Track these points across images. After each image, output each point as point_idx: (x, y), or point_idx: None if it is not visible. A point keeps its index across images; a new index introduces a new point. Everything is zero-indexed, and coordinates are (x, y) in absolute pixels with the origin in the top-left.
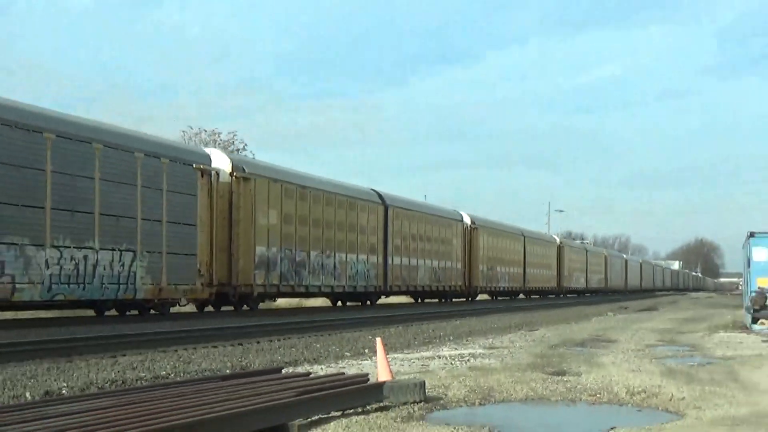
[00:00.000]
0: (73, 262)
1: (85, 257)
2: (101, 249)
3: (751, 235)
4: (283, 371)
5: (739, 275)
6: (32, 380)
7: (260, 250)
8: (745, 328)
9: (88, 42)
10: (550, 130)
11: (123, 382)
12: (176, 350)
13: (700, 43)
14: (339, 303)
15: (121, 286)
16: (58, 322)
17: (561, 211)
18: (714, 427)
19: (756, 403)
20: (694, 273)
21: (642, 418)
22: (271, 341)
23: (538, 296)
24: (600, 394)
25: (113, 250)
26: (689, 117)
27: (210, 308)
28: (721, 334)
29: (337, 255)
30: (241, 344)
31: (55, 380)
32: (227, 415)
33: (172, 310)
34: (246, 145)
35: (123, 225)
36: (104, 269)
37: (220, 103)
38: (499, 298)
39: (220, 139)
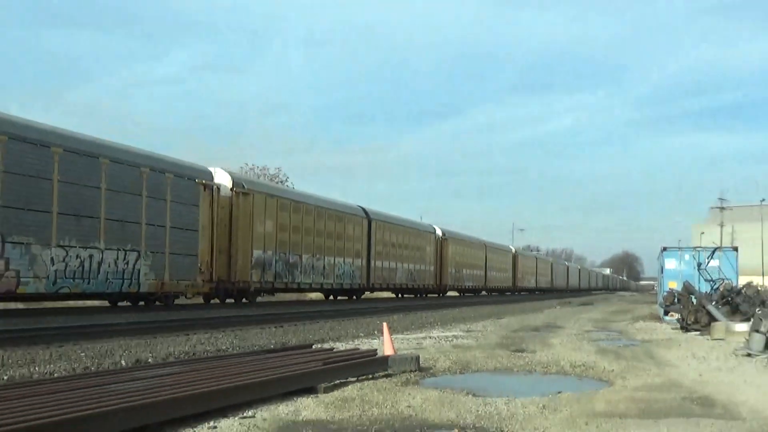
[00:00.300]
0: (79, 259)
1: (91, 256)
2: (106, 249)
3: (664, 249)
4: (313, 347)
5: (654, 279)
6: (126, 352)
7: (257, 252)
8: (658, 319)
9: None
10: (517, 167)
11: (193, 354)
12: (233, 330)
13: (624, 104)
14: (331, 297)
15: (125, 280)
16: (139, 309)
17: (522, 229)
18: (635, 392)
19: (667, 375)
20: (621, 277)
21: (581, 385)
22: (304, 324)
23: (497, 293)
24: (550, 366)
25: (118, 250)
26: (618, 157)
27: (216, 300)
28: (641, 323)
29: (326, 258)
30: (282, 326)
31: (143, 352)
32: (271, 379)
33: (184, 302)
34: (288, 177)
35: (128, 229)
36: (109, 266)
37: (270, 146)
38: (465, 294)
39: (268, 173)
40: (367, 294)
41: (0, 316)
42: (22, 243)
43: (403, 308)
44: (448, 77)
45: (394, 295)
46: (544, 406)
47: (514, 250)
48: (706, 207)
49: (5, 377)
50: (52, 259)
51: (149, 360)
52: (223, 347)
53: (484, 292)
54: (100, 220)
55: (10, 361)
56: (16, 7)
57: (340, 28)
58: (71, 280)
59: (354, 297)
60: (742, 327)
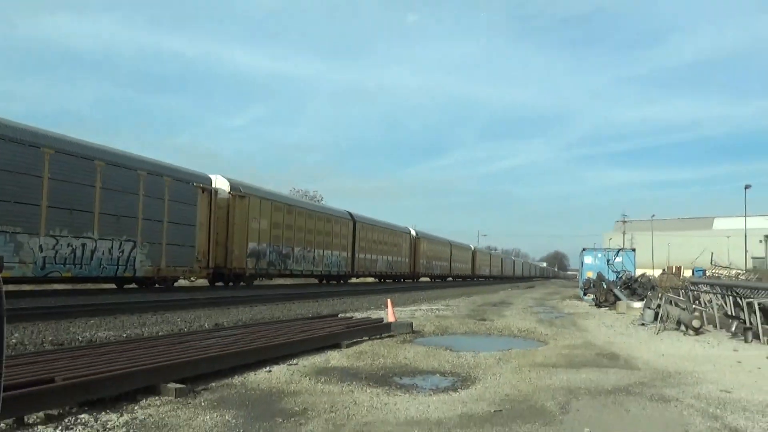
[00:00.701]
0: (70, 247)
1: (84, 244)
2: (100, 239)
3: (584, 249)
4: (339, 315)
5: (576, 270)
6: (208, 318)
7: (252, 245)
8: (579, 299)
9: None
10: (483, 190)
11: (255, 321)
12: (284, 303)
13: (559, 147)
14: (325, 282)
15: (120, 266)
16: (216, 288)
17: (485, 235)
18: (563, 349)
19: (585, 337)
20: (553, 269)
21: (526, 344)
22: (332, 299)
23: (461, 279)
24: (504, 331)
25: (113, 239)
26: (554, 184)
27: (220, 284)
28: (567, 301)
29: (316, 250)
30: (317, 301)
31: (220, 318)
32: (309, 338)
33: (184, 284)
34: (323, 197)
35: (123, 222)
36: (102, 254)
37: (309, 174)
38: (435, 280)
39: (308, 194)
40: (354, 279)
41: (117, 292)
42: (7, 231)
43: (401, 289)
44: (434, 128)
45: (376, 280)
46: (499, 359)
47: (473, 248)
48: (613, 220)
49: (124, 335)
50: (40, 246)
51: (224, 324)
52: (278, 315)
53: (450, 279)
54: (94, 213)
55: (126, 324)
56: (132, 74)
57: (356, 95)
58: (62, 266)
59: (341, 281)
60: (638, 304)
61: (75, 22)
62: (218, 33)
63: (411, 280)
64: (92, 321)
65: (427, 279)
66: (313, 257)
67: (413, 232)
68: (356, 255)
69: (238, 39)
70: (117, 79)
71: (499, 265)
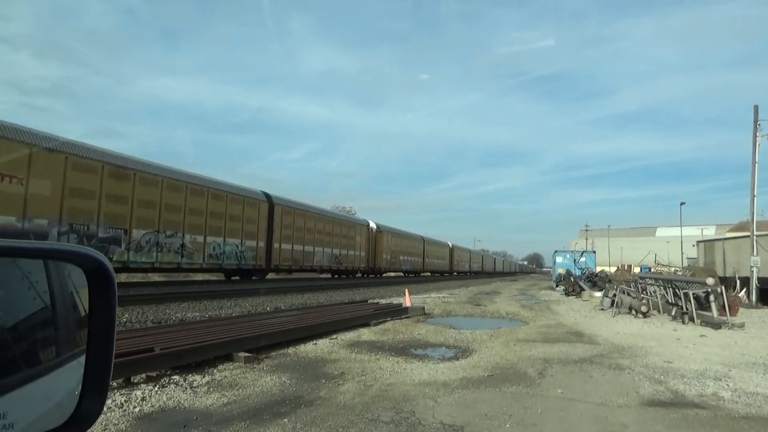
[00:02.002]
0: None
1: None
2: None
3: (556, 251)
4: (368, 301)
5: (550, 267)
6: (269, 304)
7: (285, 246)
8: (552, 289)
9: (304, 171)
10: (479, 207)
11: (305, 305)
12: (327, 292)
13: (536, 173)
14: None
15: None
16: (269, 280)
17: (480, 240)
18: (540, 328)
19: (557, 319)
20: (532, 266)
21: (511, 324)
22: (363, 288)
23: (438, 274)
24: (495, 313)
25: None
26: (532, 202)
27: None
28: (544, 291)
29: (188, 236)
30: (351, 290)
31: (279, 303)
32: (346, 318)
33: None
34: (356, 212)
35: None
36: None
37: (347, 195)
38: (409, 275)
39: (345, 209)
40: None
41: (205, 283)
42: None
43: (414, 281)
44: (440, 159)
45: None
46: (491, 335)
47: (451, 245)
48: (578, 229)
49: (207, 315)
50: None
51: (282, 307)
52: (322, 300)
53: (428, 273)
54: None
55: (208, 307)
56: (214, 121)
57: (380, 134)
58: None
59: (252, 277)
60: (598, 294)
61: (173, 81)
62: (281, 89)
63: (374, 276)
64: (183, 305)
65: (392, 274)
66: (182, 244)
67: (373, 225)
68: (273, 245)
69: (296, 92)
70: (205, 124)
71: (480, 262)
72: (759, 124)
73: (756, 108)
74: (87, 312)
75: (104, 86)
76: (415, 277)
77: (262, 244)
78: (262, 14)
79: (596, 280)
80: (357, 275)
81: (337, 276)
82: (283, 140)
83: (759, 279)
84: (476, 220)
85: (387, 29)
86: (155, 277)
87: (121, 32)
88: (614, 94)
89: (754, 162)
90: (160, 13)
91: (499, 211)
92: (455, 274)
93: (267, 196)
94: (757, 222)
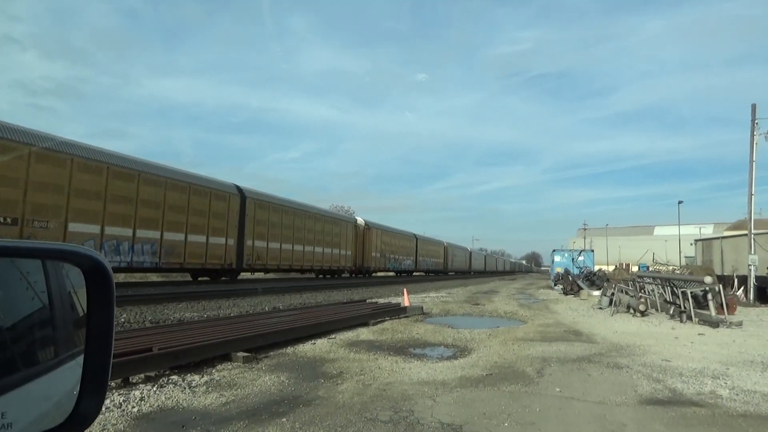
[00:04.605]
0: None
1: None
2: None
3: (554, 250)
4: (367, 301)
5: (549, 266)
6: (267, 304)
7: (259, 242)
8: (551, 288)
9: (303, 171)
10: (477, 206)
11: (304, 305)
12: (324, 291)
13: (536, 172)
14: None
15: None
16: (267, 278)
17: (478, 239)
18: (539, 327)
19: (556, 318)
20: (530, 265)
21: (510, 323)
22: (361, 287)
23: (433, 273)
24: (493, 312)
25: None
26: (531, 201)
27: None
28: (542, 290)
29: (139, 231)
30: (349, 289)
31: (276, 303)
32: (344, 318)
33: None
34: (355, 211)
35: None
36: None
37: (347, 194)
38: (401, 274)
39: (344, 209)
40: (248, 275)
41: (199, 283)
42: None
43: (413, 280)
44: (441, 158)
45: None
46: (489, 334)
47: (445, 244)
48: (576, 228)
49: (205, 315)
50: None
51: (280, 307)
52: (320, 299)
53: (422, 273)
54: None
55: (206, 307)
56: (214, 121)
57: (379, 135)
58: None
59: (221, 277)
60: (597, 293)
61: (172, 82)
62: (281, 89)
63: (362, 275)
64: (181, 305)
65: (381, 273)
66: (130, 245)
67: (361, 222)
68: (246, 242)
69: (296, 92)
70: (204, 124)
71: (482, 261)
72: (757, 123)
73: (754, 106)
74: (85, 312)
75: (108, 86)
76: (408, 276)
77: (232, 241)
78: (262, 14)
79: (594, 279)
80: (344, 275)
81: (322, 276)
82: (283, 140)
83: (756, 277)
84: (475, 220)
85: (387, 29)
86: (154, 278)
87: (122, 32)
88: (614, 93)
89: (751, 160)
90: (162, 13)
91: (498, 211)
92: (450, 273)
93: (239, 189)
94: (754, 220)
